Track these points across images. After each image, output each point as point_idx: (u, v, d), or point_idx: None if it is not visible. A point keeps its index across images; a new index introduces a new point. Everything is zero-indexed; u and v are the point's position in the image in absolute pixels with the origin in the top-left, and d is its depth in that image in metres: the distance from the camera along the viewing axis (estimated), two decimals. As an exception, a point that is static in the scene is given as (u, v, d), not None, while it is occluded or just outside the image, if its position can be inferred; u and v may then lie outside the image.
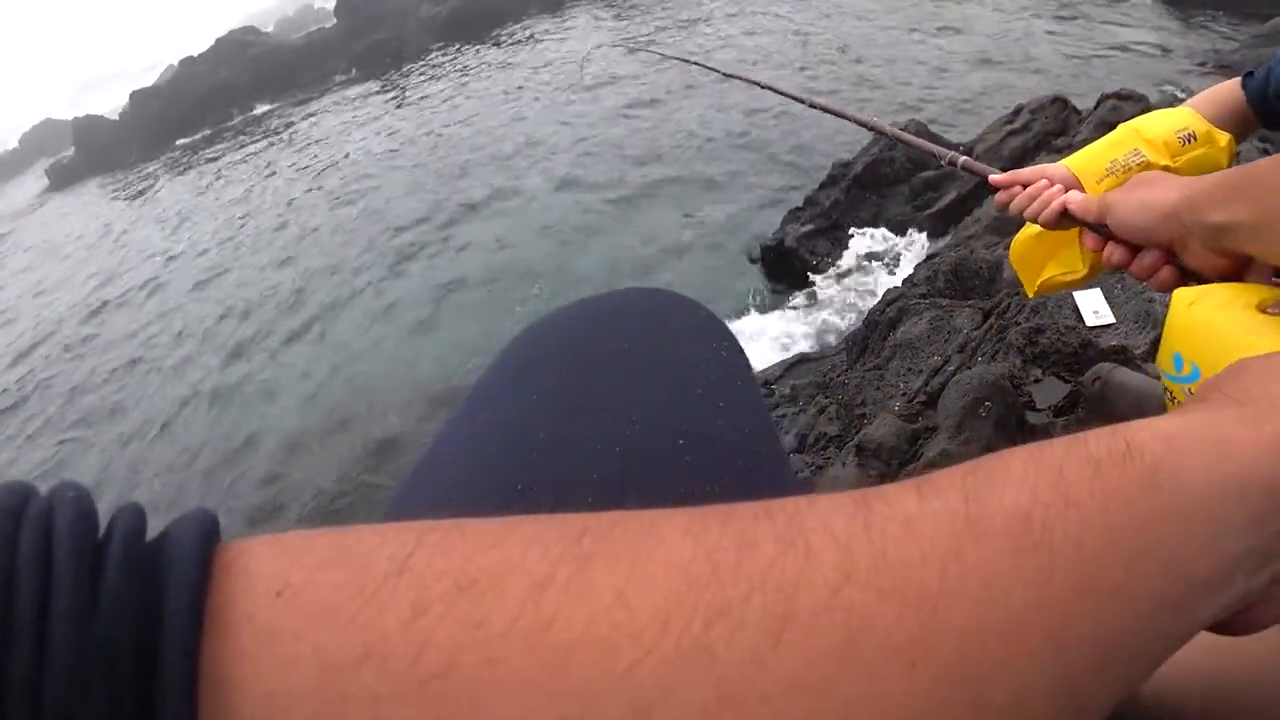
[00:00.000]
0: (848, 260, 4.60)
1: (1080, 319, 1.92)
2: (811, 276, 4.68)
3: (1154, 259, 0.76)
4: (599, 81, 11.86)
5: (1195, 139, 0.91)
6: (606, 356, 0.43)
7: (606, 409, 0.40)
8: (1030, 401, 1.62)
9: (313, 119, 16.53)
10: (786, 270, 4.98)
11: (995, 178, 0.97)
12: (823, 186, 5.04)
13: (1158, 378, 0.74)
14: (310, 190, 11.57)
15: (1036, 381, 1.66)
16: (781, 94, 1.47)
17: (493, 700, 0.17)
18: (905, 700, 0.18)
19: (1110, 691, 0.22)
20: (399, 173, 10.83)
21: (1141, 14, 9.67)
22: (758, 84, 1.52)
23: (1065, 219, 0.87)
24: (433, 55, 18.62)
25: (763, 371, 3.68)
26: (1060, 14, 10.63)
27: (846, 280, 4.53)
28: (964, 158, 1.04)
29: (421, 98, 14.98)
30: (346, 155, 12.75)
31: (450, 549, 0.20)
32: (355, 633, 0.18)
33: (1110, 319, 1.89)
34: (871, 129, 1.28)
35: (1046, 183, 0.90)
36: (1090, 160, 0.93)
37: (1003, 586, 0.20)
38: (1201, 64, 4.95)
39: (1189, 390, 0.65)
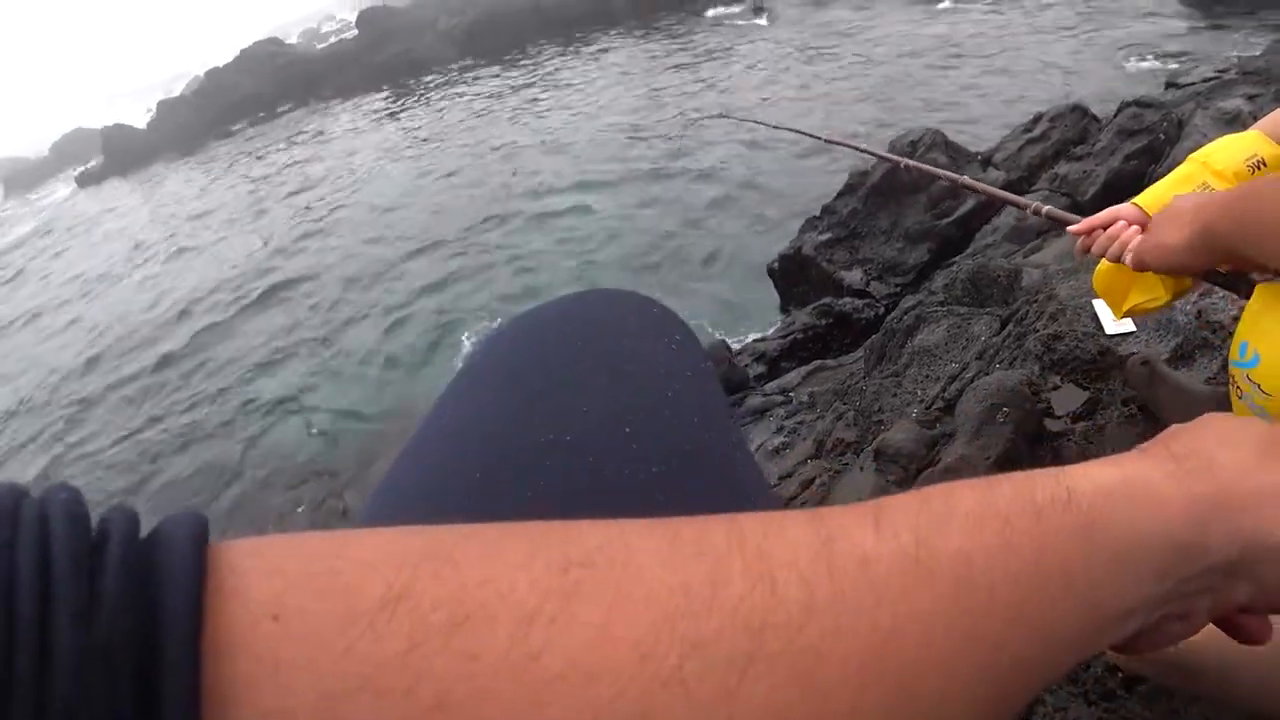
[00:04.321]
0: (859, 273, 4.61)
1: (1100, 326, 1.92)
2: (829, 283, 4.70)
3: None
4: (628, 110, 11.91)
5: (1265, 165, 0.93)
6: (561, 354, 0.46)
7: (559, 401, 0.42)
8: (1049, 408, 1.63)
9: (329, 127, 16.79)
10: (803, 279, 4.99)
11: (1074, 227, 1.03)
12: (840, 195, 5.04)
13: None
14: (301, 194, 11.71)
15: (1055, 388, 1.67)
16: (877, 156, 1.50)
17: None
18: (854, 717, 0.21)
19: (1027, 698, 0.26)
20: (418, 191, 10.87)
21: (1163, 19, 9.62)
22: (849, 146, 1.54)
23: None
24: (450, 70, 18.81)
25: (781, 380, 3.70)
26: (1081, 19, 10.60)
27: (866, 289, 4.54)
28: (1048, 207, 1.11)
29: (433, 114, 15.08)
30: (348, 167, 12.89)
31: (444, 579, 0.21)
32: (353, 662, 0.18)
33: (1131, 327, 1.89)
34: (963, 186, 1.31)
35: (1124, 224, 0.96)
36: (1160, 198, 0.96)
37: (944, 625, 0.23)
38: (1223, 70, 4.92)
39: (1248, 376, 0.69)
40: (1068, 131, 4.66)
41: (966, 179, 1.36)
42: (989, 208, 4.43)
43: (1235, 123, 3.31)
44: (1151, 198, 0.99)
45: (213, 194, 14.51)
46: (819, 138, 1.49)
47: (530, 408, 0.42)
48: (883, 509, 0.26)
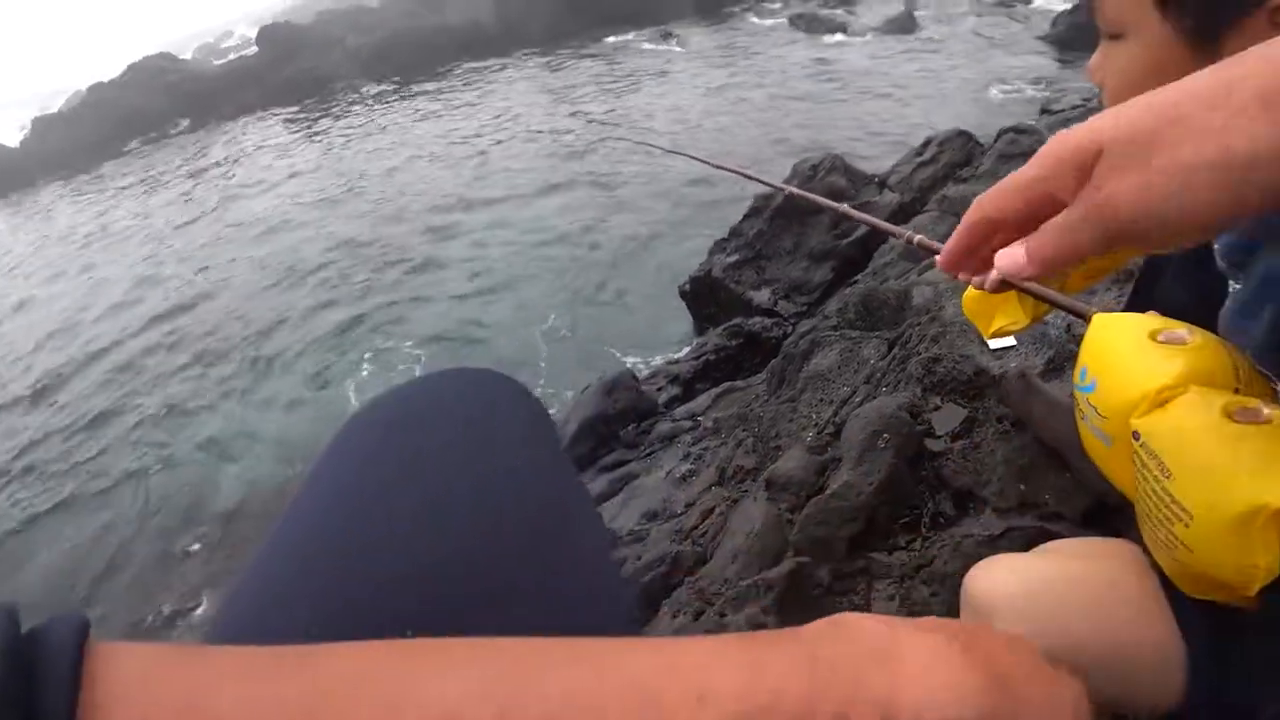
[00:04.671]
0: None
1: (984, 342, 1.99)
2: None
3: None
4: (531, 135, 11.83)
5: None
6: (411, 441, 0.47)
7: (400, 490, 0.43)
8: (930, 429, 1.67)
9: (226, 148, 15.98)
10: (713, 300, 5.05)
11: (940, 257, 1.07)
12: (746, 217, 5.15)
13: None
14: (202, 220, 11.13)
15: (936, 409, 1.71)
16: (764, 183, 1.57)
17: None
18: None
19: None
20: (315, 213, 10.43)
21: (1030, 55, 10.46)
22: (734, 170, 1.59)
23: (1004, 284, 0.98)
24: (358, 90, 18.27)
25: (691, 404, 3.71)
26: (960, 54, 11.34)
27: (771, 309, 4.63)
28: (919, 237, 1.16)
29: (341, 134, 14.58)
30: (243, 188, 12.29)
31: None
32: None
33: (1012, 341, 1.96)
34: (843, 215, 1.38)
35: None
36: None
37: None
38: (1088, 99, 5.35)
39: (1087, 400, 0.72)
40: (955, 155, 4.92)
41: (845, 208, 1.40)
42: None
43: (1099, 149, 3.57)
44: None
45: (98, 218, 13.55)
46: (710, 164, 1.52)
47: (375, 495, 0.43)
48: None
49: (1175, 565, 0.63)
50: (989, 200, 0.45)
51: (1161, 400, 0.62)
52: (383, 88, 18.01)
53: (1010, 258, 0.43)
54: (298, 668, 0.25)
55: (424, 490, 0.43)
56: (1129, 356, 0.66)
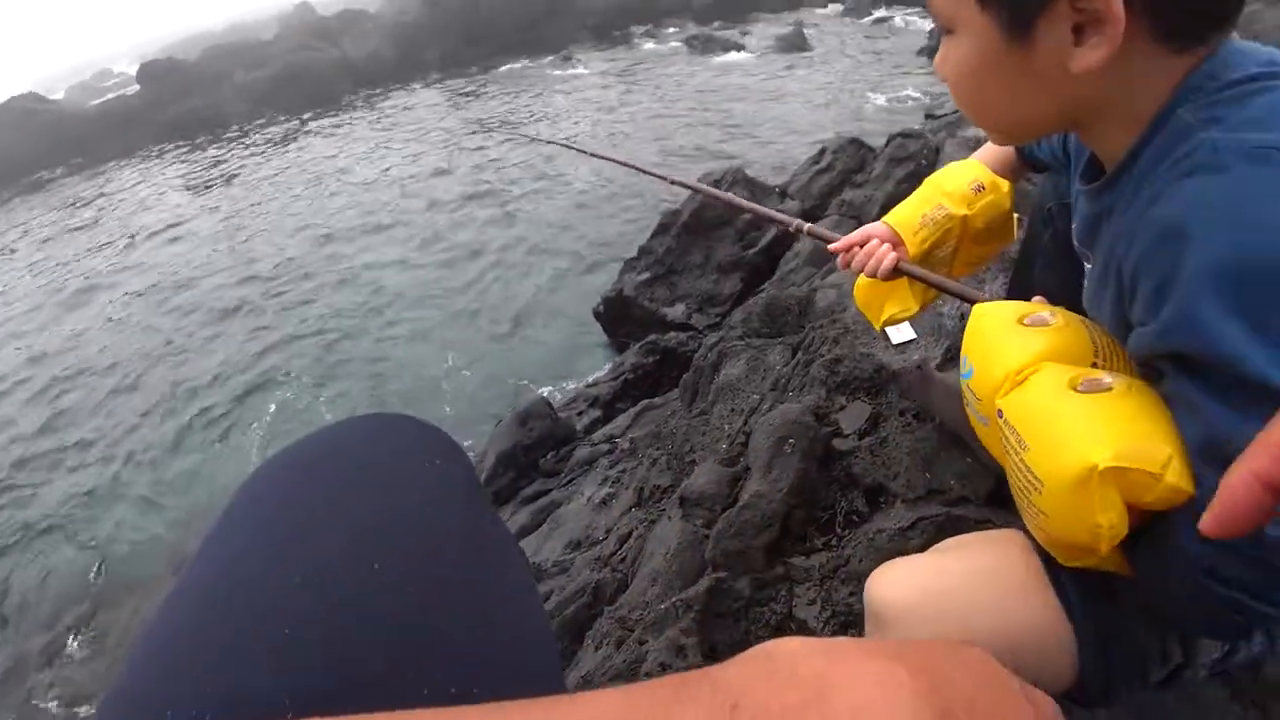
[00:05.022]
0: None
1: (888, 338, 2.02)
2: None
3: None
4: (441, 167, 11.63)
5: (984, 188, 1.10)
6: (313, 491, 0.45)
7: (309, 541, 0.41)
8: (838, 429, 1.67)
9: (107, 194, 15.00)
10: (628, 319, 5.04)
11: (833, 246, 1.12)
12: (654, 235, 5.19)
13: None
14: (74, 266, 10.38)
15: (842, 409, 1.72)
16: (645, 173, 1.58)
17: None
18: None
19: None
20: (205, 261, 9.85)
21: (914, 67, 11.10)
22: (624, 163, 1.63)
23: (896, 272, 1.05)
24: (251, 127, 17.54)
25: (610, 426, 3.66)
26: (844, 68, 11.90)
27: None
28: (808, 225, 1.23)
29: (234, 175, 13.92)
30: (132, 238, 11.57)
31: None
32: None
33: (912, 335, 2.01)
34: (728, 204, 1.42)
35: (877, 242, 1.07)
36: (906, 216, 1.11)
37: None
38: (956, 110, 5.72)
39: (968, 386, 0.77)
40: (849, 162, 5.10)
41: (731, 196, 1.43)
42: (790, 235, 4.72)
43: (977, 148, 3.78)
44: (898, 216, 1.12)
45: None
46: (635, 166, 1.52)
47: (277, 551, 0.41)
48: None
49: (1042, 534, 0.66)
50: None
51: (1020, 379, 0.66)
52: (276, 124, 17.39)
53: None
54: None
55: (332, 545, 0.41)
56: (998, 341, 0.70)
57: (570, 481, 3.06)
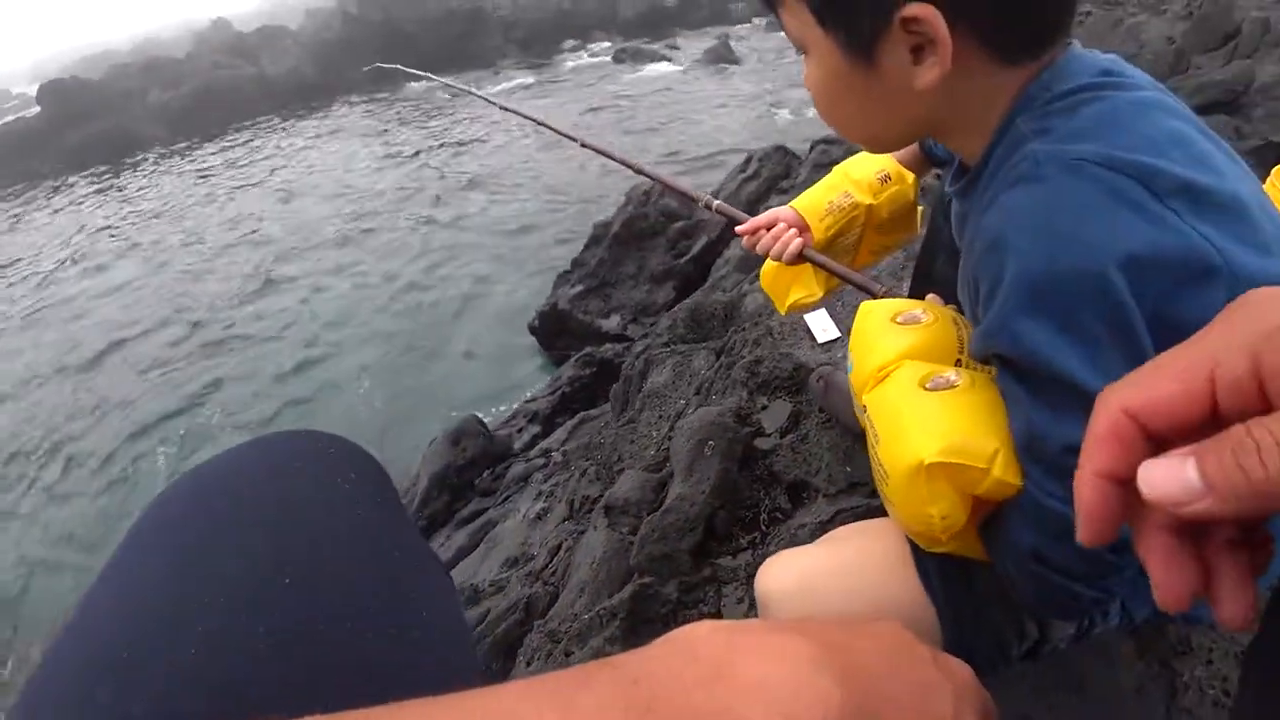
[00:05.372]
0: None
1: (813, 337, 2.06)
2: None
3: None
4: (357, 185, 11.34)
5: (890, 179, 1.11)
6: (220, 510, 0.44)
7: (215, 560, 0.40)
8: (760, 429, 1.69)
9: (7, 223, 14.11)
10: (564, 332, 5.01)
11: (740, 228, 1.13)
12: (587, 247, 5.18)
13: None
14: None
15: (764, 409, 1.74)
16: (557, 131, 1.55)
17: None
18: None
19: None
20: (115, 289, 9.33)
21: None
22: (534, 119, 1.60)
23: (800, 257, 1.06)
24: (165, 149, 16.77)
25: (548, 440, 3.62)
26: (780, 82, 12.20)
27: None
28: (717, 201, 1.21)
29: (146, 199, 13.25)
30: (37, 267, 10.89)
31: None
32: None
33: (836, 334, 2.05)
34: (639, 171, 1.40)
35: (784, 226, 1.07)
36: (813, 202, 1.11)
37: None
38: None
39: (850, 381, 0.79)
40: (775, 169, 5.21)
41: (639, 163, 1.41)
42: (720, 242, 4.78)
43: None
44: (805, 202, 1.12)
45: None
46: (578, 140, 1.48)
47: (183, 573, 0.40)
48: None
49: (899, 524, 0.69)
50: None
51: (882, 376, 0.69)
52: (192, 145, 16.71)
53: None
54: None
55: (240, 565, 0.40)
56: (871, 339, 0.73)
57: (506, 499, 3.01)
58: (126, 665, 0.36)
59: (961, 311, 0.81)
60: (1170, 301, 0.52)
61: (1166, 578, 0.26)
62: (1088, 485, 0.27)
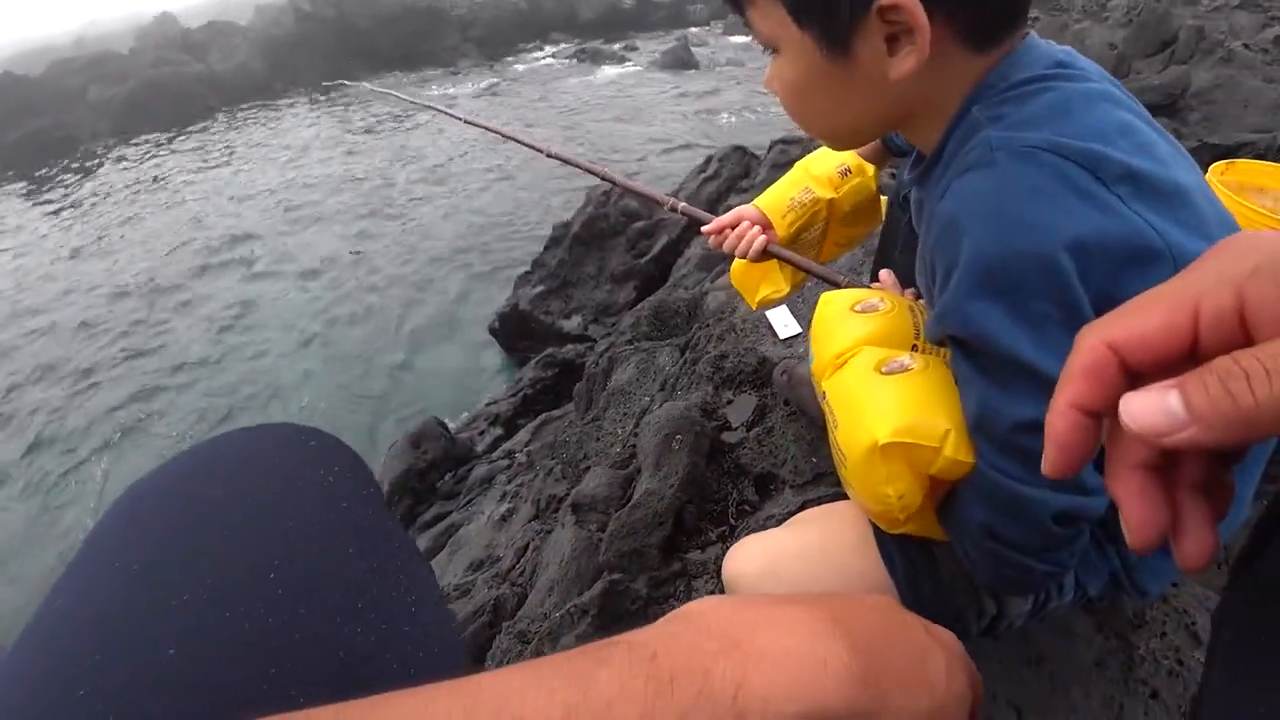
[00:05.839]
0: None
1: (774, 333, 2.08)
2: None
3: None
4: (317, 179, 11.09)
5: (851, 172, 1.13)
6: (193, 506, 0.42)
7: (192, 557, 0.39)
8: (726, 423, 1.69)
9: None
10: (525, 334, 4.97)
11: (706, 227, 1.14)
12: (547, 248, 5.15)
13: None
14: None
15: (729, 403, 1.75)
16: (521, 143, 1.54)
17: None
18: None
19: None
20: (52, 297, 8.91)
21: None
22: (500, 133, 1.59)
23: (766, 254, 1.07)
24: (108, 147, 16.15)
25: (511, 441, 3.58)
26: (737, 83, 12.32)
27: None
28: (683, 204, 1.23)
29: (87, 201, 12.72)
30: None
31: None
32: None
33: (798, 329, 2.06)
34: (605, 179, 1.41)
35: (748, 224, 1.08)
36: (775, 200, 1.12)
37: None
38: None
39: (811, 371, 0.80)
40: (734, 169, 5.25)
41: (609, 172, 1.43)
42: (681, 241, 4.80)
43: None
44: (768, 200, 1.14)
45: None
46: (544, 151, 1.47)
47: (159, 569, 0.38)
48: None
49: (860, 506, 0.70)
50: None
51: (840, 363, 0.70)
52: (137, 143, 16.12)
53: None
54: None
55: (219, 561, 0.39)
56: (831, 327, 0.75)
57: (470, 502, 2.97)
58: (97, 668, 0.35)
59: (919, 296, 0.83)
60: (1116, 284, 0.54)
61: (1139, 514, 0.27)
62: (1060, 415, 0.28)
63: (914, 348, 0.71)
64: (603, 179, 1.41)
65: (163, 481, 0.45)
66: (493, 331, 5.22)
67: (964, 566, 0.65)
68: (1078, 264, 0.53)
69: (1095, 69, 0.65)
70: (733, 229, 1.10)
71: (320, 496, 0.45)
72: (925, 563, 0.73)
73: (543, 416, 3.48)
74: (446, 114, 1.70)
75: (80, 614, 0.38)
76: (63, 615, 0.39)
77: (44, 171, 15.53)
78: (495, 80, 16.70)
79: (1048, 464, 0.28)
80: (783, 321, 2.17)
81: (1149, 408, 0.24)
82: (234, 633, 0.36)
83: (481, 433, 4.19)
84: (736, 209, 1.13)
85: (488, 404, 4.67)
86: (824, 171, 1.13)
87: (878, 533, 0.74)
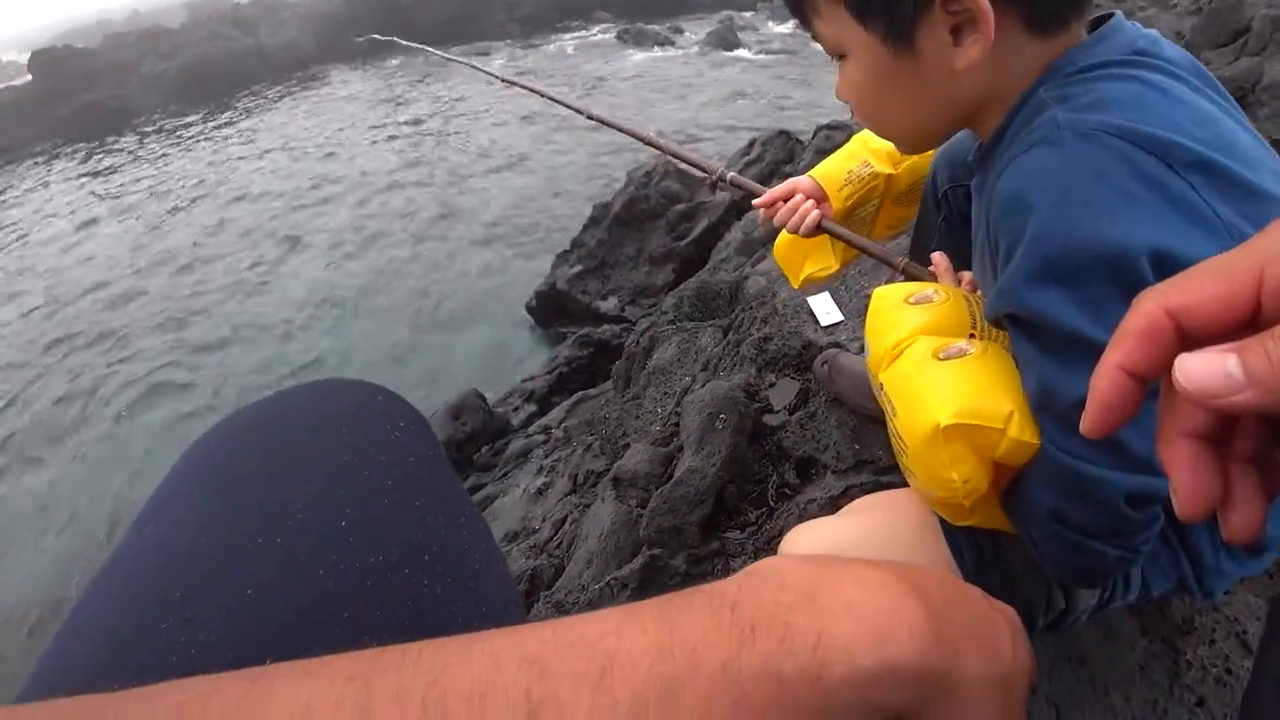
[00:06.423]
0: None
1: (816, 320, 2.06)
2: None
3: None
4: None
5: None
6: (271, 452, 0.44)
7: (269, 501, 0.41)
8: (768, 405, 1.69)
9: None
10: (562, 313, 5.00)
11: (758, 200, 1.09)
12: (586, 228, 5.16)
13: None
14: None
15: (771, 385, 1.74)
16: (563, 104, 1.51)
17: None
18: None
19: None
20: (113, 266, 9.18)
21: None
22: (539, 92, 1.56)
23: (819, 229, 1.03)
24: (161, 120, 16.53)
25: (547, 417, 3.62)
26: (782, 67, 12.12)
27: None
28: (731, 174, 1.19)
29: (145, 172, 13.05)
30: (34, 238, 10.73)
31: None
32: None
33: (840, 317, 2.04)
34: (648, 143, 1.36)
35: (802, 198, 1.04)
36: (831, 171, 1.08)
37: None
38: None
39: (865, 364, 0.81)
40: (778, 153, 5.18)
41: (648, 135, 1.36)
42: (721, 225, 4.77)
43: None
44: (824, 170, 1.09)
45: None
46: (584, 113, 1.45)
47: (237, 512, 0.40)
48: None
49: (919, 494, 0.69)
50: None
51: (897, 353, 0.69)
52: (189, 117, 16.50)
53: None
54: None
55: (297, 505, 0.40)
56: (885, 320, 0.73)
57: (505, 475, 3.02)
58: (183, 600, 0.36)
59: (974, 284, 0.82)
60: None
61: (1189, 483, 0.26)
62: (1105, 376, 0.27)
63: (971, 335, 0.70)
64: (645, 143, 1.36)
65: (239, 427, 0.46)
66: (530, 309, 5.26)
67: (1033, 557, 0.64)
68: (1155, 272, 0.51)
69: (1184, 58, 0.63)
70: (785, 202, 1.06)
71: (390, 451, 0.46)
72: (995, 554, 0.71)
73: (578, 394, 3.51)
74: (486, 73, 1.69)
75: (165, 548, 0.40)
76: (151, 546, 0.40)
77: (98, 141, 16.00)
78: (538, 58, 16.70)
79: (1086, 422, 0.28)
80: (825, 309, 2.15)
81: (1206, 369, 0.24)
82: (308, 577, 0.38)
83: (516, 408, 4.24)
84: (790, 180, 1.09)
85: (524, 380, 4.72)
86: (883, 146, 1.09)
87: (945, 526, 0.73)
